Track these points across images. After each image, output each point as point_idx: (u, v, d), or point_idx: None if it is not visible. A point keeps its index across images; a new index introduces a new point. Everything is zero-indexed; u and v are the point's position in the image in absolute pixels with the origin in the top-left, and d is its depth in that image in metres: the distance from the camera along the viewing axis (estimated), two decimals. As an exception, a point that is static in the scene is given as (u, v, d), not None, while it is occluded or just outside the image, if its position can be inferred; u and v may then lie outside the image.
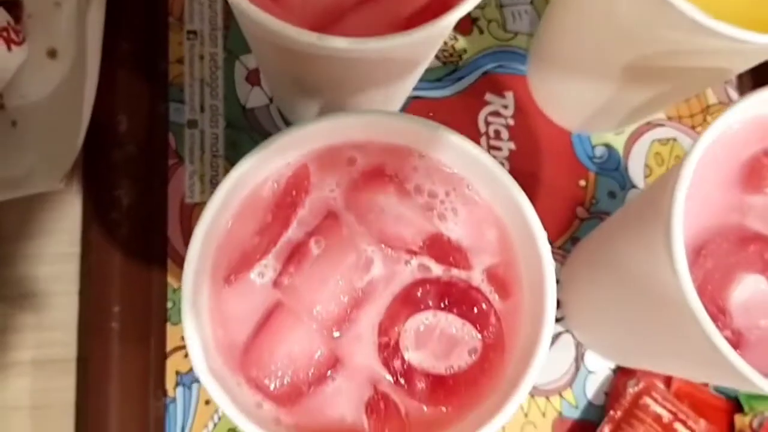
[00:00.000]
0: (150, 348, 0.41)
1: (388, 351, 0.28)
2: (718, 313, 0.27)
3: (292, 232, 0.29)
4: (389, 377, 0.28)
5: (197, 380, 0.41)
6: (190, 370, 0.41)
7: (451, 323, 0.28)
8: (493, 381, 0.27)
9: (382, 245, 0.29)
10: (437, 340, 0.28)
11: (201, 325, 0.26)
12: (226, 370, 0.27)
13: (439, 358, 0.28)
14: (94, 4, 0.42)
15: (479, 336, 0.28)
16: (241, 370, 0.27)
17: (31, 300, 0.42)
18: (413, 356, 0.28)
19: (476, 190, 0.29)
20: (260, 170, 0.28)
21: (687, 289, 0.26)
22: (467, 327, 0.28)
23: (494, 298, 0.28)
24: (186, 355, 0.41)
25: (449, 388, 0.27)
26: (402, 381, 0.27)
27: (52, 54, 0.44)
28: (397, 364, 0.28)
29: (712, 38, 0.29)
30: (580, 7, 0.36)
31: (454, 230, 0.29)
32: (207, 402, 0.41)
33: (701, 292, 0.27)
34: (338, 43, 0.27)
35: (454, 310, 0.28)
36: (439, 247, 0.29)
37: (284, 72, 0.35)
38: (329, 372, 0.28)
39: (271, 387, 0.27)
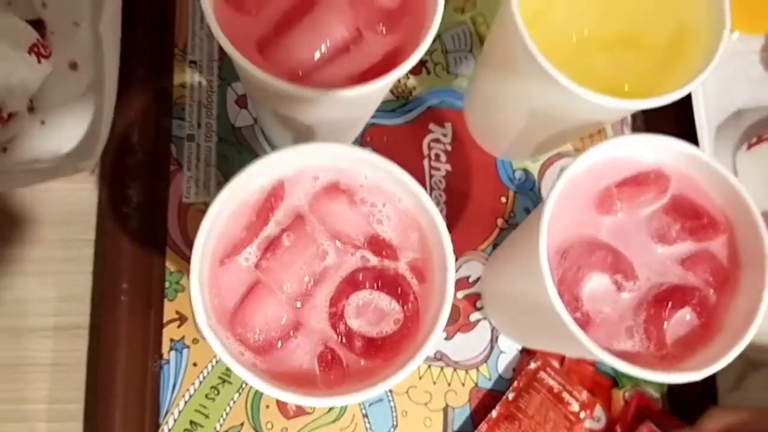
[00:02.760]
0: (150, 319, 0.49)
1: (336, 318, 0.36)
2: (572, 299, 0.37)
3: (270, 229, 0.37)
4: (336, 337, 0.36)
5: (187, 346, 0.49)
6: (182, 338, 0.49)
7: (382, 300, 0.36)
8: (410, 342, 0.36)
9: (335, 241, 0.37)
10: (372, 312, 0.36)
11: (203, 294, 0.34)
12: (218, 327, 0.35)
13: (372, 324, 0.36)
14: (109, 25, 0.49)
15: (402, 310, 0.36)
16: (230, 328, 0.35)
17: (54, 276, 0.50)
18: (354, 323, 0.36)
19: (404, 204, 0.37)
20: (249, 183, 0.36)
21: (547, 280, 0.35)
22: (393, 303, 0.36)
23: (414, 282, 0.37)
24: (179, 326, 0.49)
25: (378, 347, 0.36)
26: (345, 340, 0.36)
27: (74, 66, 0.51)
28: (342, 328, 0.36)
29: (579, 101, 0.39)
30: (497, 66, 0.45)
31: (388, 232, 0.37)
32: (194, 364, 0.49)
33: (560, 283, 0.37)
34: (309, 93, 0.36)
35: (385, 290, 0.36)
36: (376, 244, 0.37)
37: (266, 105, 0.44)
38: (292, 332, 0.35)
39: (251, 341, 0.35)
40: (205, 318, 0.34)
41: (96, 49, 0.51)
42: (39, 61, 0.50)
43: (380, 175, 0.38)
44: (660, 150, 0.39)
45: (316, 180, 0.38)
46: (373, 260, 0.37)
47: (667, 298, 0.37)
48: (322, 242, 0.37)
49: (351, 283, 0.37)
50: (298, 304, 0.37)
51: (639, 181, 0.39)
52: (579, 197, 0.39)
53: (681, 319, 0.38)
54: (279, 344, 0.36)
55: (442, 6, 0.38)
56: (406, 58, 0.38)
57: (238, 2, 0.38)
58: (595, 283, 0.38)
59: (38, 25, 0.51)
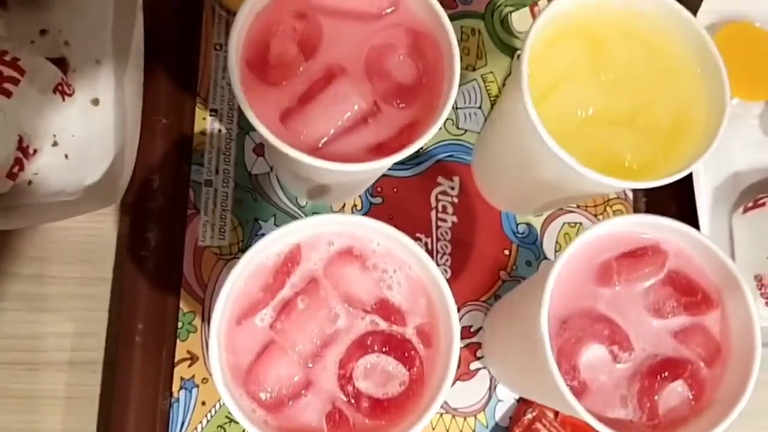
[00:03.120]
0: (162, 358, 0.50)
1: (345, 379, 0.38)
2: (569, 369, 0.39)
3: (286, 292, 0.38)
4: (344, 398, 0.37)
5: (196, 386, 0.51)
6: (192, 377, 0.51)
7: (389, 363, 0.38)
8: (415, 404, 0.37)
9: (346, 305, 0.39)
10: (379, 374, 0.38)
11: (221, 353, 0.36)
12: (233, 385, 0.37)
13: (379, 386, 0.38)
14: (132, 65, 0.52)
15: (407, 373, 0.38)
16: (243, 385, 0.37)
17: (72, 313, 0.52)
18: (361, 384, 0.38)
19: (414, 270, 0.39)
20: (268, 247, 0.38)
21: (547, 352, 0.37)
22: (400, 366, 0.38)
23: (420, 347, 0.38)
24: (189, 365, 0.51)
25: (384, 408, 0.37)
26: (352, 401, 0.37)
27: (96, 102, 0.54)
28: (350, 389, 0.37)
29: (583, 177, 0.41)
30: (504, 133, 0.48)
31: (397, 297, 0.39)
32: (203, 403, 0.50)
33: (560, 352, 0.39)
34: (328, 165, 0.38)
35: (392, 354, 0.38)
36: (386, 309, 0.38)
37: (285, 165, 0.46)
38: (303, 391, 0.37)
39: (263, 398, 0.37)
40: (222, 376, 0.36)
41: (118, 87, 0.54)
42: (63, 100, 0.52)
43: (391, 242, 0.40)
44: (660, 228, 0.41)
45: (331, 245, 0.40)
46: (383, 325, 0.39)
47: (661, 370, 0.39)
48: (334, 305, 0.39)
49: (360, 346, 0.38)
50: (310, 365, 0.38)
51: (637, 256, 0.41)
52: (580, 269, 0.41)
53: (673, 391, 0.39)
54: (290, 402, 0.38)
55: (457, 83, 0.40)
56: (422, 130, 0.40)
57: (263, 74, 0.40)
58: (593, 353, 0.40)
59: (61, 62, 0.53)
